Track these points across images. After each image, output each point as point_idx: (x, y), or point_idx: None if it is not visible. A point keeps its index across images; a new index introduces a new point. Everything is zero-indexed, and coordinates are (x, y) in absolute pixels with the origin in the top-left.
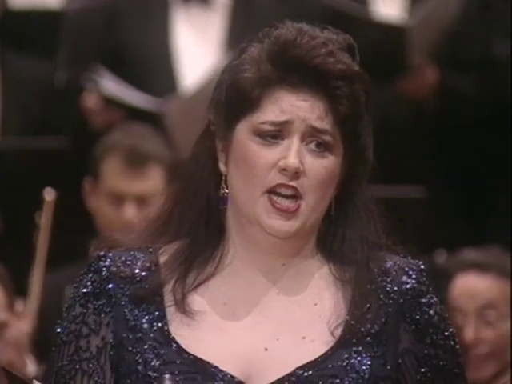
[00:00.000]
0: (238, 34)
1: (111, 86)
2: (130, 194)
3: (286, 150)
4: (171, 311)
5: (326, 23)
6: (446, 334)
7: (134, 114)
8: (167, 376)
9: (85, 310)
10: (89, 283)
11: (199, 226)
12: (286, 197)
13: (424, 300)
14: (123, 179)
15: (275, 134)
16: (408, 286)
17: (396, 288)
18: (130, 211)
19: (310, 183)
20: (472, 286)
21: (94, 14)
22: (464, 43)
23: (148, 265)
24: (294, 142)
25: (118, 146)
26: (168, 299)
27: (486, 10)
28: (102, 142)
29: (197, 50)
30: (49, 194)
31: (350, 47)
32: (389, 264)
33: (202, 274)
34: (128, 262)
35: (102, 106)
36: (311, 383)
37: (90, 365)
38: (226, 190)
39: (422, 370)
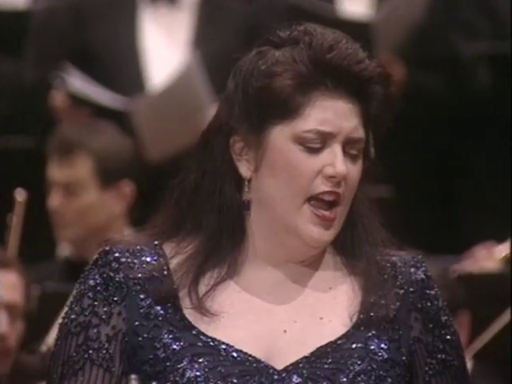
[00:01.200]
0: (206, 34)
1: (79, 84)
2: (57, 182)
3: (331, 158)
4: (186, 300)
5: (292, 22)
6: (452, 330)
7: (102, 113)
8: (133, 376)
9: (94, 302)
10: (97, 276)
11: (216, 230)
12: (325, 205)
13: (432, 292)
14: (54, 167)
15: (317, 142)
16: (417, 278)
17: (406, 279)
18: (55, 199)
19: (348, 188)
20: None
21: (60, 13)
22: (429, 41)
23: (156, 257)
24: (338, 150)
25: (56, 135)
26: (184, 300)
27: (451, 10)
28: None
29: (164, 50)
30: (20, 195)
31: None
32: (395, 258)
33: (216, 277)
34: (137, 254)
35: (69, 104)
36: (332, 363)
37: (100, 354)
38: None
39: (431, 361)
